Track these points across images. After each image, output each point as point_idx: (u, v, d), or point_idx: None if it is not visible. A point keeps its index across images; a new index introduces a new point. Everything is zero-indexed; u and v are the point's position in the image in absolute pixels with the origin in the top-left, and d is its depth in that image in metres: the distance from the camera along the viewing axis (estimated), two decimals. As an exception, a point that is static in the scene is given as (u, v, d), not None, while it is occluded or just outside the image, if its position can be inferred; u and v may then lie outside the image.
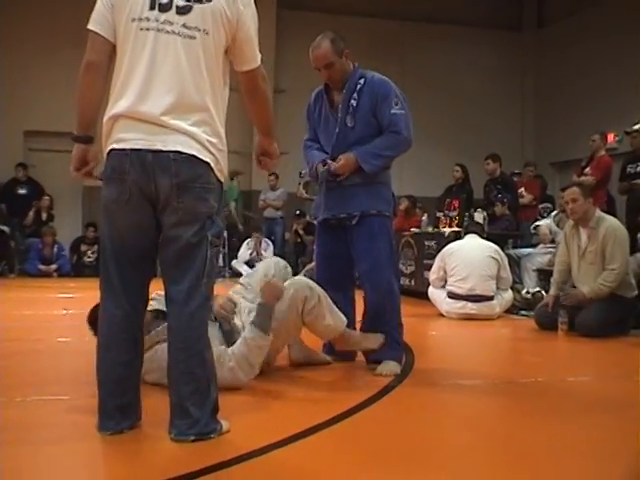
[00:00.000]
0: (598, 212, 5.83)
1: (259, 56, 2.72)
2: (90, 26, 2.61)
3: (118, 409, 2.61)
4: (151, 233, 2.60)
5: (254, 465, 2.34)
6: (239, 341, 3.37)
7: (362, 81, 3.97)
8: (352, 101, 3.95)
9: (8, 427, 2.72)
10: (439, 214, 8.79)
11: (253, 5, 2.72)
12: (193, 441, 2.50)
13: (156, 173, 2.50)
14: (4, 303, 7.50)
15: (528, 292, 7.15)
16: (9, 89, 12.52)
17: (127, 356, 2.62)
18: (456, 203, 8.48)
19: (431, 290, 7.21)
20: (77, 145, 2.65)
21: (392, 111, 3.90)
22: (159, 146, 2.50)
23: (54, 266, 11.66)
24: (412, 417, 3.15)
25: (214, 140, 2.60)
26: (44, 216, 12.22)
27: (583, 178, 8.13)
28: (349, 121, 3.98)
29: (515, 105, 15.47)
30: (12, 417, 2.89)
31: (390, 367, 3.85)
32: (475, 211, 8.15)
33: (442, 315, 6.89)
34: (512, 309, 7.05)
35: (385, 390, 3.47)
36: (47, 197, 12.24)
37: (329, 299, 3.78)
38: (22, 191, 12.28)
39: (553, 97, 14.58)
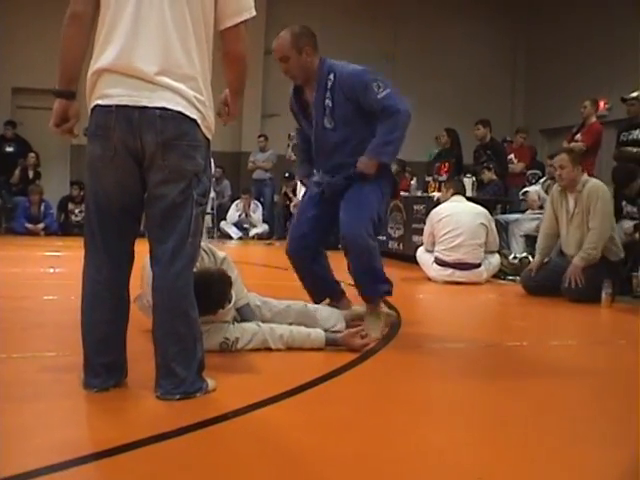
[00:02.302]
0: (584, 176, 5.82)
1: (247, 11, 2.62)
2: None
3: (104, 367, 2.60)
4: (136, 191, 2.57)
5: (239, 423, 2.35)
6: (302, 329, 3.50)
7: (332, 77, 3.81)
8: (326, 101, 3.82)
9: (-7, 383, 2.72)
10: (428, 178, 8.81)
11: None
12: (179, 399, 2.50)
13: (142, 130, 2.46)
14: (-9, 261, 7.47)
15: (515, 257, 7.17)
16: (-4, 46, 12.35)
17: (111, 314, 2.61)
18: (445, 167, 8.47)
19: (420, 253, 7.19)
20: (58, 100, 2.59)
21: (379, 97, 3.73)
22: (144, 102, 2.46)
23: (41, 225, 11.58)
24: (397, 378, 3.17)
25: (201, 97, 2.54)
26: (30, 174, 12.13)
27: (573, 144, 8.12)
28: (327, 122, 3.85)
29: (506, 71, 15.37)
30: (-3, 373, 2.89)
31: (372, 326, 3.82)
32: (465, 176, 8.16)
33: (429, 279, 6.91)
34: (499, 274, 7.08)
35: (371, 352, 3.49)
36: (33, 155, 12.12)
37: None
38: (9, 149, 12.17)
39: (544, 64, 14.47)
